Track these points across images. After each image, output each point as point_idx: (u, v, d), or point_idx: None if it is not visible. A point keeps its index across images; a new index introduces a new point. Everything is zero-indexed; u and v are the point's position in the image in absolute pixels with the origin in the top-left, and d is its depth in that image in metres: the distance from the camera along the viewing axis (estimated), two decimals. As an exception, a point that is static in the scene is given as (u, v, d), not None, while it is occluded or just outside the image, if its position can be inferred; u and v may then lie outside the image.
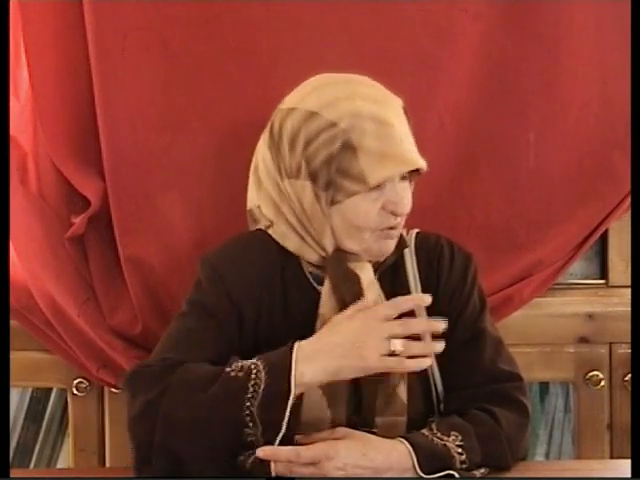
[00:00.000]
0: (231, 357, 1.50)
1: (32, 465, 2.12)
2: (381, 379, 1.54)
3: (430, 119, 1.93)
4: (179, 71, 1.92)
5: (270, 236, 1.62)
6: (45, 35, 1.92)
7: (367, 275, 1.58)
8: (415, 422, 1.57)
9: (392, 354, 1.44)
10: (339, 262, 1.57)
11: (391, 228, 1.57)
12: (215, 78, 1.92)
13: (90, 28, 1.88)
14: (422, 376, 1.60)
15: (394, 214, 1.55)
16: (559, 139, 1.98)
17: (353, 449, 1.45)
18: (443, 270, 1.64)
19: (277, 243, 1.62)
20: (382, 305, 1.51)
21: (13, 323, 1.89)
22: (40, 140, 1.98)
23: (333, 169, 1.52)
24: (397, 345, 1.44)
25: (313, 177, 1.54)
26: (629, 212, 1.95)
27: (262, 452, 1.43)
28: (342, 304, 1.54)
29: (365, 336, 1.45)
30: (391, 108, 1.56)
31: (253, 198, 1.66)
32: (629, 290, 1.78)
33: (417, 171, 1.59)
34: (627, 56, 1.85)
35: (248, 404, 1.42)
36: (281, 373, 1.43)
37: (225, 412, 1.43)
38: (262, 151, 1.64)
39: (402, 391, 1.57)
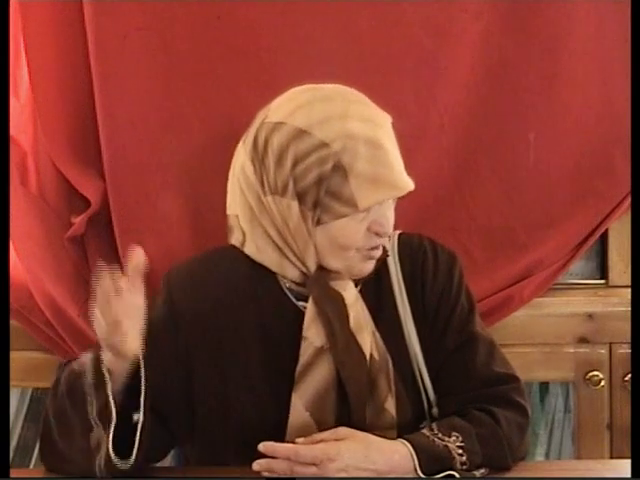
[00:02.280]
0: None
1: (32, 465, 2.11)
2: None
3: (430, 119, 1.93)
4: (179, 71, 1.92)
5: (241, 252, 1.58)
6: (45, 35, 1.92)
7: (350, 293, 1.56)
8: (404, 431, 1.55)
9: None
10: (322, 282, 1.54)
11: (374, 248, 1.55)
12: (215, 78, 1.92)
13: (90, 28, 1.88)
14: (410, 385, 1.59)
15: (378, 235, 1.53)
16: (559, 139, 1.98)
17: (355, 450, 1.45)
18: (428, 274, 1.61)
19: (249, 260, 1.58)
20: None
21: (13, 323, 1.89)
22: (40, 140, 1.98)
23: (322, 190, 1.48)
24: None
25: (300, 196, 1.50)
26: (629, 212, 1.95)
27: (263, 447, 1.43)
28: (328, 326, 1.53)
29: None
30: (382, 129, 1.53)
31: (231, 205, 1.61)
32: (629, 290, 1.79)
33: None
34: (627, 56, 1.85)
35: (88, 398, 1.44)
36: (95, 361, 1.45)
37: (74, 416, 1.46)
38: (242, 160, 1.58)
39: (391, 405, 1.55)
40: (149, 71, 1.92)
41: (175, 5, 1.90)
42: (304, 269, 1.56)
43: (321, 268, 1.55)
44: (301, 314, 1.56)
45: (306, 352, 1.53)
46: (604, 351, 2.02)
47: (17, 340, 1.92)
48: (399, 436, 1.52)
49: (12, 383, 1.86)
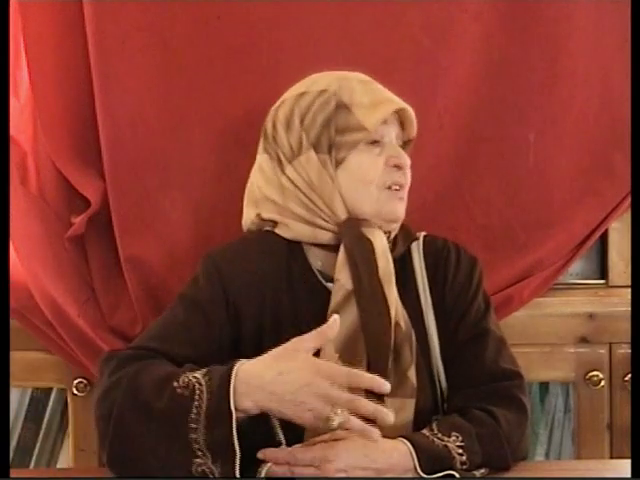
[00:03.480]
0: (186, 365, 1.46)
1: (32, 465, 2.11)
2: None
3: (430, 119, 1.93)
4: (179, 71, 1.92)
5: (276, 235, 1.64)
6: (45, 35, 1.92)
7: (380, 242, 1.60)
8: (421, 413, 1.57)
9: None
10: (352, 227, 1.59)
11: (398, 187, 1.61)
12: (215, 78, 1.92)
13: (90, 28, 1.88)
14: (428, 375, 1.61)
15: (397, 167, 1.61)
16: (559, 139, 1.98)
17: (353, 450, 1.45)
18: (449, 272, 1.67)
19: (284, 241, 1.63)
20: (337, 368, 1.40)
21: (13, 323, 1.88)
22: (40, 140, 1.98)
23: (332, 130, 1.59)
24: (335, 423, 1.35)
25: (315, 145, 1.60)
26: (629, 212, 1.95)
27: (262, 454, 1.44)
28: (355, 270, 1.56)
29: (307, 396, 1.36)
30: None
31: (249, 213, 1.68)
32: (629, 290, 1.79)
33: (409, 142, 1.67)
34: (627, 56, 1.85)
35: (193, 426, 1.37)
36: (221, 394, 1.38)
37: (171, 439, 1.40)
38: (257, 162, 1.68)
39: (412, 374, 1.58)
40: (149, 71, 1.92)
41: (175, 5, 1.90)
42: (335, 227, 1.60)
43: (351, 217, 1.60)
44: (330, 296, 1.58)
45: (337, 294, 1.57)
46: (604, 351, 2.02)
47: (17, 340, 1.92)
48: (416, 414, 1.55)
49: (12, 383, 1.87)
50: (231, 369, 1.39)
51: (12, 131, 1.94)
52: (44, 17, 1.92)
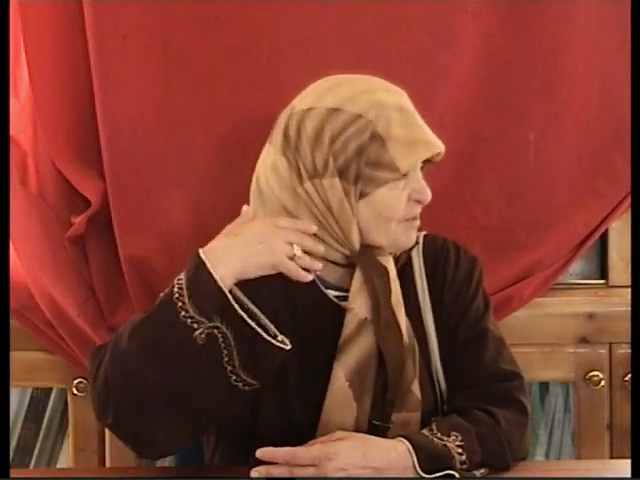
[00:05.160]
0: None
1: (32, 465, 2.11)
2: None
3: (430, 119, 1.92)
4: (179, 71, 1.92)
5: None
6: (45, 35, 1.92)
7: (392, 268, 1.59)
8: (425, 420, 1.57)
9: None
10: (369, 256, 1.57)
11: (414, 218, 1.60)
12: (215, 78, 1.92)
13: (90, 28, 1.88)
14: (428, 377, 1.61)
15: (419, 202, 1.58)
16: (559, 139, 1.98)
17: (353, 449, 1.45)
18: (449, 272, 1.66)
19: None
20: (281, 218, 1.53)
21: (13, 323, 1.88)
22: (40, 140, 1.98)
23: (363, 162, 1.52)
24: (298, 250, 1.47)
25: (341, 172, 1.52)
26: (629, 212, 1.95)
27: (260, 453, 1.44)
28: (374, 298, 1.55)
29: (269, 237, 1.47)
30: (405, 98, 1.59)
31: (257, 210, 1.62)
32: (629, 290, 1.78)
33: (429, 160, 1.61)
34: (627, 56, 1.85)
35: (229, 367, 1.42)
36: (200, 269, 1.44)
37: (208, 381, 1.43)
38: (272, 159, 1.59)
39: (416, 387, 1.57)
40: (149, 71, 1.92)
41: (175, 5, 1.90)
42: (347, 251, 1.57)
43: (365, 245, 1.57)
44: (328, 302, 1.58)
45: (350, 322, 1.55)
46: (604, 351, 2.02)
47: (17, 340, 1.92)
48: (422, 426, 1.55)
49: (12, 383, 1.87)
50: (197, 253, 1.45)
51: (12, 131, 1.93)
52: (44, 17, 1.92)
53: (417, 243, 1.67)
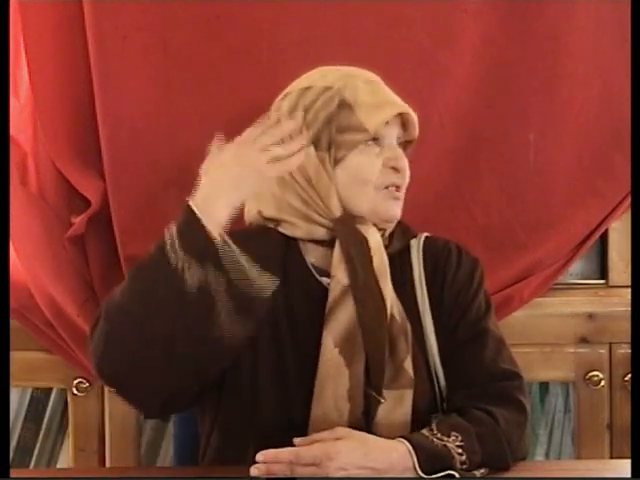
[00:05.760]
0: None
1: (32, 465, 2.12)
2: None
3: (430, 119, 1.93)
4: (179, 71, 1.92)
5: (275, 231, 1.63)
6: (45, 35, 1.92)
7: (374, 238, 1.61)
8: (420, 411, 1.57)
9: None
10: (346, 223, 1.60)
11: (395, 188, 1.61)
12: (215, 78, 1.92)
13: (90, 28, 1.88)
14: (425, 374, 1.61)
15: (395, 169, 1.61)
16: (559, 139, 1.98)
17: (354, 449, 1.45)
18: (449, 272, 1.66)
19: (281, 237, 1.63)
20: (244, 133, 1.52)
21: (13, 323, 1.88)
22: (40, 140, 1.98)
23: (333, 128, 1.58)
24: (276, 149, 1.46)
25: (315, 141, 1.58)
26: (629, 212, 1.95)
27: (262, 456, 1.43)
28: (350, 265, 1.57)
29: (243, 157, 1.47)
30: (379, 80, 1.64)
31: (250, 209, 1.67)
32: (629, 290, 1.78)
33: (409, 142, 1.65)
34: (627, 56, 1.85)
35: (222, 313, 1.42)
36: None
37: (201, 325, 1.43)
38: None
39: (409, 366, 1.58)
40: (149, 71, 1.92)
41: (175, 5, 1.90)
42: (329, 222, 1.60)
43: (346, 213, 1.60)
44: (323, 290, 1.59)
45: (335, 290, 1.57)
46: (604, 351, 2.02)
47: (17, 340, 1.91)
48: (414, 419, 1.55)
49: (12, 383, 1.87)
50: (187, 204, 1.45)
51: (12, 131, 1.94)
52: (44, 17, 1.92)
53: (415, 236, 1.68)
